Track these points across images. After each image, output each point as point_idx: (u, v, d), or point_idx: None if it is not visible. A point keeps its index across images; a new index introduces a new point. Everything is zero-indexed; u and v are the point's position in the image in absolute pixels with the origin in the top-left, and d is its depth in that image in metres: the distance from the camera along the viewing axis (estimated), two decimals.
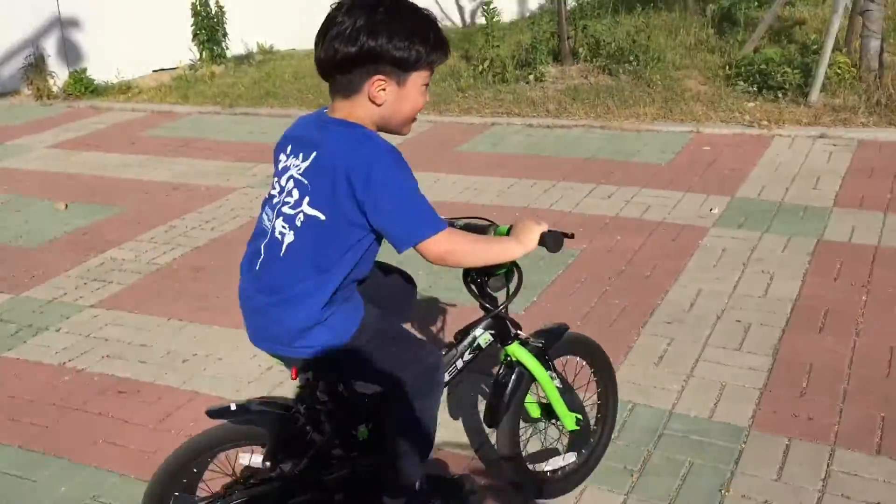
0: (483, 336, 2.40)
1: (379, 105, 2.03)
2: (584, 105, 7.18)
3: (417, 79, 2.05)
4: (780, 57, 7.21)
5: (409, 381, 2.20)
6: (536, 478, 2.66)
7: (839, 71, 6.85)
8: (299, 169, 2.06)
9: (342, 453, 2.35)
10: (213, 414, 2.17)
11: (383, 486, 2.35)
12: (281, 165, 2.14)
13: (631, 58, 7.83)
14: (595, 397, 2.81)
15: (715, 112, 6.73)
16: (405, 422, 2.25)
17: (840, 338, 3.48)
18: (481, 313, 2.40)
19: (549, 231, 2.23)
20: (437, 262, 2.06)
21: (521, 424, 2.60)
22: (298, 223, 2.05)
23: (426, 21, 2.04)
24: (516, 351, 2.43)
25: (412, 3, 2.05)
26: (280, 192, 2.11)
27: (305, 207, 2.04)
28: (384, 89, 2.01)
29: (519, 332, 2.45)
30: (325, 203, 2.01)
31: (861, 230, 4.52)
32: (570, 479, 2.72)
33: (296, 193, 2.06)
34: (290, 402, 2.28)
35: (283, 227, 2.08)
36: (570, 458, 2.72)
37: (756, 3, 9.22)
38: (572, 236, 2.33)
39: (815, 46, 7.32)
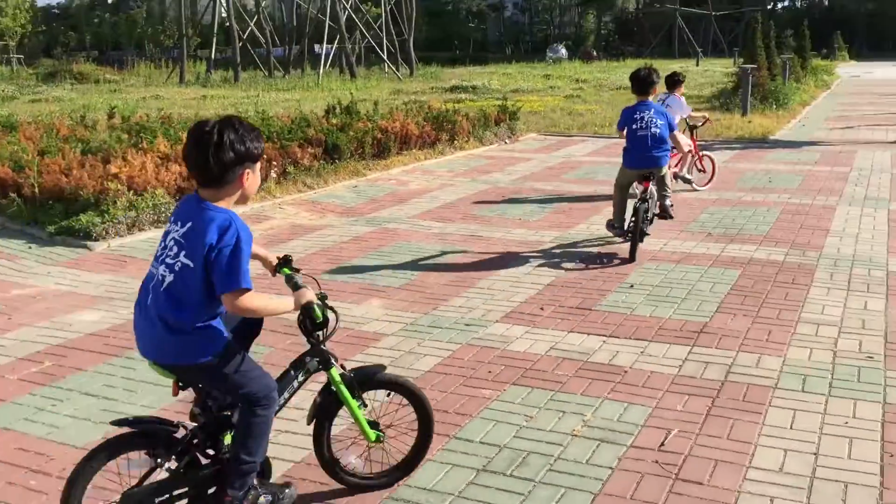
0: (311, 363, 3.32)
1: (244, 187, 3.04)
2: None
3: (259, 164, 3.10)
4: None
5: (255, 393, 3.10)
6: (343, 476, 3.53)
7: None
8: (178, 233, 3.00)
9: (213, 454, 3.16)
10: (118, 422, 3.02)
11: (227, 479, 3.14)
12: (165, 230, 3.09)
13: None
14: (411, 425, 3.60)
15: None
16: (250, 425, 3.11)
17: None
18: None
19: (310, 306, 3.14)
20: (233, 312, 3.00)
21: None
22: (177, 268, 2.95)
23: (254, 127, 3.07)
24: (332, 375, 3.34)
25: (239, 117, 3.10)
26: (164, 248, 3.03)
27: (182, 258, 2.95)
28: (249, 178, 3.04)
29: (334, 362, 3.33)
30: (195, 257, 2.93)
31: None
32: (379, 483, 3.56)
33: (175, 249, 2.98)
34: (172, 420, 3.10)
35: (165, 272, 2.98)
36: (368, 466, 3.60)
37: None
38: (325, 324, 3.21)
39: None
